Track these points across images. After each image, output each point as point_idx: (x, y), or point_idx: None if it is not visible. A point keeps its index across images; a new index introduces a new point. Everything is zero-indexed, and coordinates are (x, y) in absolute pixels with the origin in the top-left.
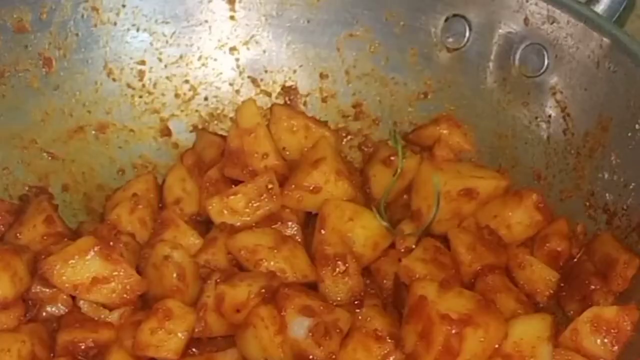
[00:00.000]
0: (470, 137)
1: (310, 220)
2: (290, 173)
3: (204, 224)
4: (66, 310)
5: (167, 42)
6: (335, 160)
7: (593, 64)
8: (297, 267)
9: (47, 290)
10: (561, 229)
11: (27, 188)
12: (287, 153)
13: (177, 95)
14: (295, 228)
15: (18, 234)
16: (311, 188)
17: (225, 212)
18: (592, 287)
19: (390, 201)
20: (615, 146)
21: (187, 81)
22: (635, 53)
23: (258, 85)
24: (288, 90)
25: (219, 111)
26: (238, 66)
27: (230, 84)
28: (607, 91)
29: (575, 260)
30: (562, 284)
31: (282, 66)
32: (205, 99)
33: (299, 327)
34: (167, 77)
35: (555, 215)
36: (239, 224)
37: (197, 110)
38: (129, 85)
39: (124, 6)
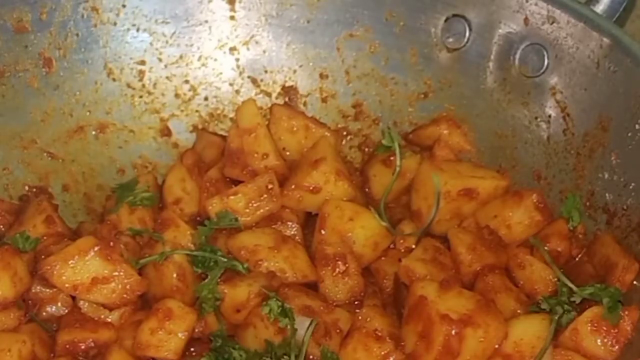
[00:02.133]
0: (470, 137)
1: (310, 220)
2: (290, 173)
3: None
4: (66, 311)
5: (167, 42)
6: (335, 160)
7: (593, 64)
8: (297, 267)
9: (47, 290)
10: (561, 229)
11: (27, 188)
12: (287, 153)
13: (177, 96)
14: (295, 228)
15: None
16: (311, 188)
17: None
18: None
19: (390, 201)
20: (615, 146)
21: (187, 81)
22: (635, 53)
23: (258, 85)
24: (288, 90)
25: (219, 111)
26: (238, 66)
27: (230, 84)
28: (607, 91)
29: (576, 260)
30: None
31: (282, 66)
32: (205, 99)
33: (299, 327)
34: (167, 77)
35: (555, 215)
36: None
37: (197, 111)
38: (129, 85)
39: (124, 6)
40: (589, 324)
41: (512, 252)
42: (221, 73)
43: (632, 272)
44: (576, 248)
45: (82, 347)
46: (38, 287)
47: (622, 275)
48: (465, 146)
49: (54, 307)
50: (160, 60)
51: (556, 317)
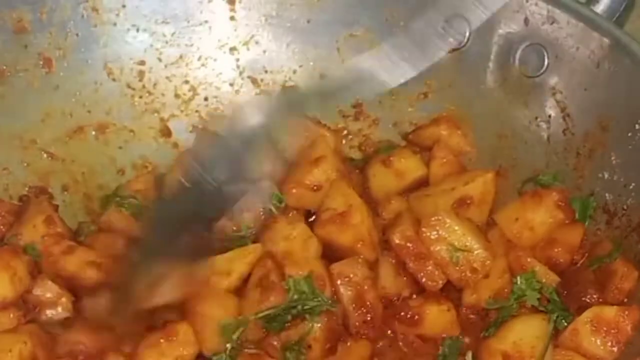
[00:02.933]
0: (470, 138)
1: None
2: (290, 172)
3: None
4: (66, 315)
5: (167, 42)
6: (335, 159)
7: (593, 64)
8: None
9: (48, 294)
10: (572, 239)
11: (27, 188)
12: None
13: (177, 96)
14: None
15: (18, 235)
16: (312, 186)
17: None
18: (588, 298)
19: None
20: (615, 146)
21: (187, 81)
22: (635, 53)
23: (258, 86)
24: None
25: (218, 111)
26: (238, 66)
27: (230, 84)
28: (607, 91)
29: (578, 265)
30: (562, 289)
31: (282, 66)
32: (205, 99)
33: None
34: (167, 78)
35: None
36: None
37: (197, 111)
38: (128, 86)
39: (124, 6)
40: (589, 324)
41: (515, 254)
42: (221, 73)
43: (631, 280)
44: (578, 254)
45: (82, 349)
46: (39, 290)
47: (621, 283)
48: (464, 147)
49: (54, 310)
50: (160, 60)
51: (554, 316)
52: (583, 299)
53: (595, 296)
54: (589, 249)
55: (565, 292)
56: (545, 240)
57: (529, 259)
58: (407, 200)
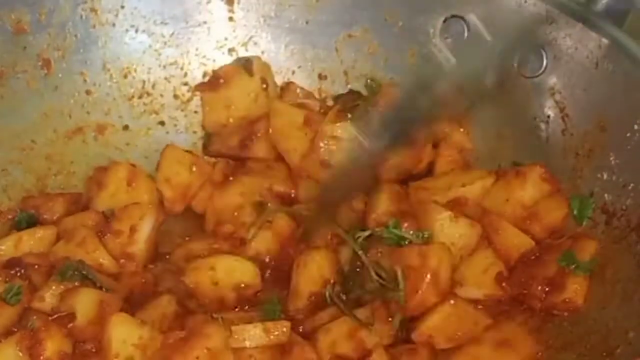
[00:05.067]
0: (471, 135)
1: None
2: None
3: None
4: None
5: (165, 43)
6: None
7: (592, 64)
8: None
9: None
10: (554, 217)
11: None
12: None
13: (175, 96)
14: None
15: None
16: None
17: None
18: (532, 291)
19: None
20: (614, 146)
21: (185, 82)
22: (634, 53)
23: None
24: None
25: None
26: None
27: None
28: (606, 92)
29: (549, 246)
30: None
31: (280, 67)
32: None
33: None
34: (166, 78)
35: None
36: None
37: (195, 111)
38: (127, 86)
39: (122, 7)
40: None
41: (489, 219)
42: None
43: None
44: (555, 236)
45: None
46: None
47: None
48: (466, 144)
49: None
50: (158, 61)
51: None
52: (527, 290)
53: (542, 295)
54: (571, 238)
55: (521, 271)
56: (527, 211)
57: (502, 222)
58: (406, 188)
